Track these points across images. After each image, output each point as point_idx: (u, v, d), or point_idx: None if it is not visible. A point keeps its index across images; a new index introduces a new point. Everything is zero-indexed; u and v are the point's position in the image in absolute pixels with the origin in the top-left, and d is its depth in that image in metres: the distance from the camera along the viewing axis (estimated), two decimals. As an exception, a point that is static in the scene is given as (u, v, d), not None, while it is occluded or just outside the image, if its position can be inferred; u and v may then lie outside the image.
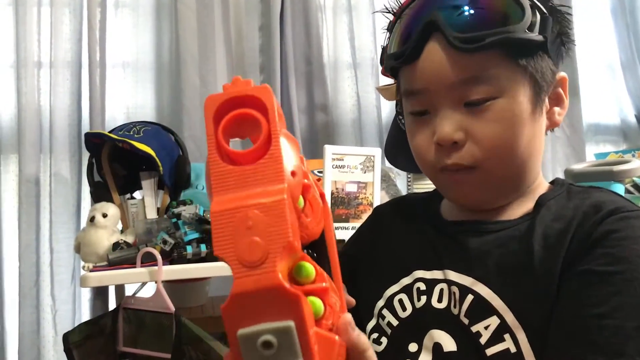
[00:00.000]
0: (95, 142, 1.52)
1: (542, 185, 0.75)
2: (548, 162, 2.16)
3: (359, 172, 1.55)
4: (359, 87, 2.09)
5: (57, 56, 1.83)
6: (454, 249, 0.72)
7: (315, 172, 1.63)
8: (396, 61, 0.72)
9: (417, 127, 0.72)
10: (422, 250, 0.76)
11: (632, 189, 1.88)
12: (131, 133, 1.49)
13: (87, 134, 1.54)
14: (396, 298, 0.74)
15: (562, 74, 0.73)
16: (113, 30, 1.90)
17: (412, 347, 0.70)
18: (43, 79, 1.83)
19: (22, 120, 1.78)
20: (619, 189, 1.25)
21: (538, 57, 0.68)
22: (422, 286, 0.73)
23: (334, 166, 1.51)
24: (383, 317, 0.75)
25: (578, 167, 1.37)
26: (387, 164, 1.83)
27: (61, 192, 1.81)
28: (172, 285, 1.60)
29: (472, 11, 0.67)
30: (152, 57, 1.97)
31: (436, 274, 0.72)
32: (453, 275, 0.70)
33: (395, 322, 0.73)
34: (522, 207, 0.73)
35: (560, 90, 0.73)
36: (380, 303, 0.76)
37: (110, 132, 1.52)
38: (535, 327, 0.64)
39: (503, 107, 0.67)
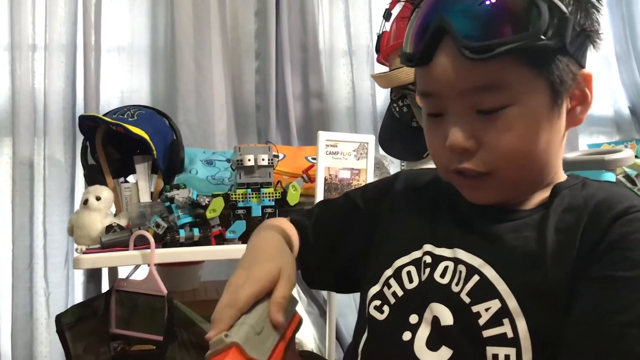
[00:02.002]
0: (89, 125, 1.52)
1: (560, 177, 0.74)
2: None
3: (352, 159, 1.55)
4: (354, 75, 2.09)
5: (52, 39, 1.82)
6: (468, 231, 0.72)
7: (309, 158, 1.64)
8: (409, 62, 0.70)
9: (433, 128, 0.72)
10: (435, 228, 0.75)
11: (623, 180, 1.89)
12: (125, 116, 1.49)
13: (81, 117, 1.54)
14: (405, 270, 0.74)
15: (586, 71, 0.68)
16: (108, 14, 1.89)
17: (413, 318, 0.70)
18: (37, 62, 1.83)
19: (17, 103, 1.77)
20: (610, 177, 1.26)
21: (556, 61, 0.65)
22: (429, 259, 0.73)
23: (328, 152, 1.52)
24: (389, 286, 0.74)
25: (570, 155, 1.38)
26: (381, 151, 1.84)
27: (55, 176, 1.81)
28: (165, 270, 1.61)
29: (482, 17, 0.64)
30: (147, 42, 1.97)
31: (445, 252, 0.72)
32: (462, 255, 0.70)
33: (400, 293, 0.73)
34: (539, 197, 0.72)
35: (585, 88, 0.69)
36: (389, 272, 0.75)
37: (104, 115, 1.52)
38: (537, 317, 0.64)
39: (517, 115, 0.65)
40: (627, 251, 0.62)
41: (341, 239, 0.85)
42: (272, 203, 1.44)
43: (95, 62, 1.83)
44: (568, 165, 1.45)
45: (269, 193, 1.43)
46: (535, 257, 0.65)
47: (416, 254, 0.74)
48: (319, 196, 1.49)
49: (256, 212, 1.42)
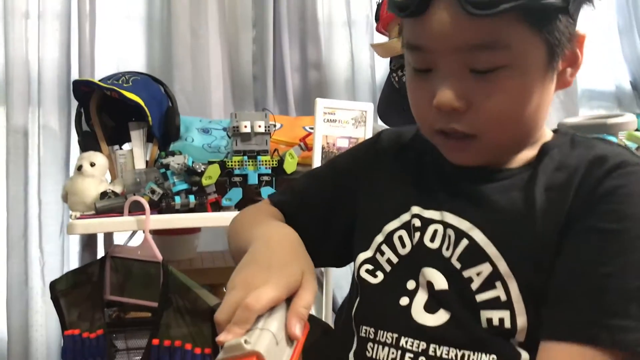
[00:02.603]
0: (83, 90, 1.50)
1: (545, 135, 0.72)
2: (541, 125, 2.15)
3: (350, 127, 1.53)
4: (354, 46, 2.06)
5: (45, 7, 1.80)
6: (454, 193, 0.70)
7: (307, 128, 1.62)
8: (400, 12, 0.66)
9: (418, 84, 0.68)
10: (422, 190, 0.73)
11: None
12: (120, 82, 1.47)
13: (75, 82, 1.51)
14: (396, 234, 0.72)
15: (581, 32, 0.67)
16: (103, -19, 1.86)
17: (410, 284, 0.69)
18: (31, 30, 1.80)
19: (10, 72, 1.75)
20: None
21: (556, 21, 0.63)
22: (418, 222, 0.71)
23: (326, 120, 1.49)
24: (382, 253, 0.73)
25: (572, 120, 1.36)
26: (380, 122, 1.82)
27: (50, 144, 1.79)
28: (161, 238, 1.59)
29: None
30: (143, 10, 1.94)
31: (433, 214, 0.70)
32: (450, 218, 0.68)
33: (395, 259, 0.72)
34: (525, 155, 0.70)
35: (577, 49, 0.67)
36: (380, 238, 0.73)
37: (99, 81, 1.49)
38: (527, 278, 0.63)
39: (512, 77, 0.63)
40: (615, 204, 0.61)
41: (333, 213, 0.81)
42: (269, 171, 1.42)
43: (90, 30, 1.80)
44: (570, 130, 1.43)
45: (266, 161, 1.42)
46: (524, 218, 0.64)
47: (405, 217, 0.72)
48: (316, 164, 1.47)
49: (252, 179, 1.40)
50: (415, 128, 0.79)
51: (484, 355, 0.63)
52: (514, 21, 0.61)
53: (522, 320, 0.63)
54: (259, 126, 1.40)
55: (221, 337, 0.55)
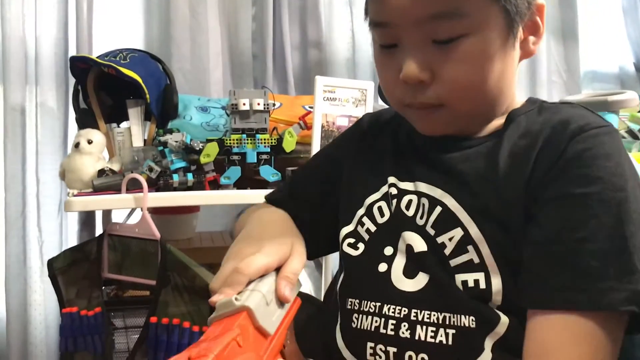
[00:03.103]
0: (81, 67, 1.48)
1: (515, 105, 0.74)
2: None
3: (350, 106, 1.52)
4: (354, 25, 2.04)
5: (42, -17, 1.77)
6: (426, 164, 0.73)
7: (306, 107, 1.60)
8: None
9: (385, 60, 0.71)
10: (397, 163, 0.76)
11: (626, 135, 1.86)
12: (118, 59, 1.45)
13: (72, 58, 1.50)
14: (376, 205, 0.75)
15: (540, 1, 0.70)
16: (100, -43, 1.83)
17: (388, 250, 0.71)
18: (28, 6, 1.77)
19: (7, 49, 1.73)
20: (613, 119, 1.23)
21: None
22: (394, 191, 0.74)
23: (325, 98, 1.48)
24: (362, 224, 0.75)
25: (572, 98, 1.35)
26: (380, 102, 1.80)
27: (47, 123, 1.77)
28: (160, 217, 1.58)
29: None
30: (142, -14, 1.91)
31: (408, 185, 0.73)
32: (423, 187, 0.71)
33: (373, 228, 0.74)
34: (494, 124, 0.72)
35: (537, 18, 0.70)
36: (361, 211, 0.76)
37: (96, 57, 1.47)
38: (498, 240, 0.64)
39: (472, 45, 0.65)
40: (583, 168, 0.62)
41: (325, 200, 0.84)
42: (268, 150, 1.40)
43: (87, 8, 1.78)
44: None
45: (265, 139, 1.40)
46: (489, 183, 0.66)
47: (384, 189, 0.75)
48: (316, 143, 1.46)
49: (251, 158, 1.39)
50: (392, 108, 0.82)
51: (463, 317, 0.64)
52: None
53: (496, 282, 0.64)
54: (258, 104, 1.39)
55: (214, 298, 0.59)
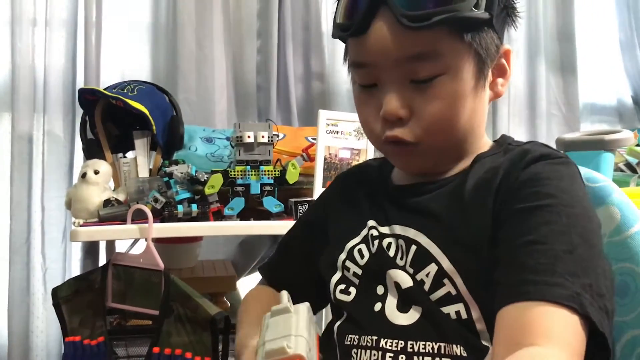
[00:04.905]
0: (88, 98, 1.51)
1: (485, 146, 0.78)
2: (542, 138, 2.16)
3: (352, 139, 1.54)
4: (357, 57, 2.07)
5: (52, 14, 1.80)
6: (399, 208, 0.77)
7: (309, 138, 1.63)
8: (343, 33, 0.73)
9: (365, 99, 0.75)
10: (374, 211, 0.80)
11: (624, 168, 1.89)
12: (125, 91, 1.48)
13: (80, 90, 1.53)
14: (356, 249, 0.79)
15: (506, 46, 0.75)
16: (109, -10, 1.88)
17: (380, 289, 0.74)
18: (38, 37, 1.81)
19: (16, 78, 1.76)
20: (610, 158, 1.25)
21: (483, 33, 0.70)
22: (375, 233, 0.77)
23: (328, 131, 1.51)
24: (347, 269, 0.78)
25: (570, 136, 1.37)
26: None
27: (54, 151, 1.80)
28: (163, 246, 1.59)
29: None
30: (149, 19, 1.95)
31: (385, 230, 0.77)
32: (398, 229, 0.75)
33: (359, 272, 0.77)
34: (462, 165, 0.76)
35: (504, 61, 0.75)
36: (342, 256, 0.79)
37: (104, 89, 1.51)
38: (471, 270, 0.68)
39: (448, 84, 0.70)
40: (536, 187, 0.66)
41: (313, 259, 0.86)
42: (271, 181, 1.43)
43: (96, 39, 1.81)
44: (568, 145, 1.44)
45: (268, 171, 1.43)
46: (456, 217, 0.70)
47: (364, 232, 0.79)
48: (319, 175, 1.49)
49: (255, 189, 1.41)
50: (367, 162, 0.90)
51: (455, 346, 0.67)
52: (446, 33, 0.68)
53: (475, 311, 0.67)
54: (262, 136, 1.41)
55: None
